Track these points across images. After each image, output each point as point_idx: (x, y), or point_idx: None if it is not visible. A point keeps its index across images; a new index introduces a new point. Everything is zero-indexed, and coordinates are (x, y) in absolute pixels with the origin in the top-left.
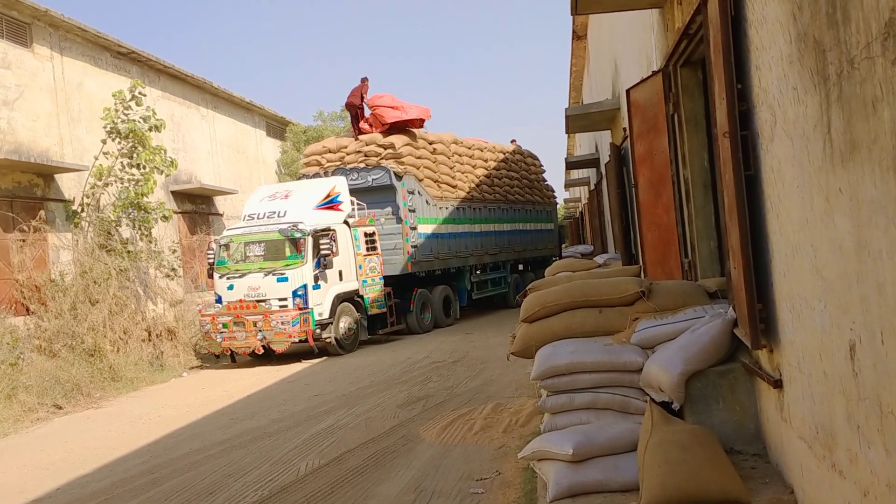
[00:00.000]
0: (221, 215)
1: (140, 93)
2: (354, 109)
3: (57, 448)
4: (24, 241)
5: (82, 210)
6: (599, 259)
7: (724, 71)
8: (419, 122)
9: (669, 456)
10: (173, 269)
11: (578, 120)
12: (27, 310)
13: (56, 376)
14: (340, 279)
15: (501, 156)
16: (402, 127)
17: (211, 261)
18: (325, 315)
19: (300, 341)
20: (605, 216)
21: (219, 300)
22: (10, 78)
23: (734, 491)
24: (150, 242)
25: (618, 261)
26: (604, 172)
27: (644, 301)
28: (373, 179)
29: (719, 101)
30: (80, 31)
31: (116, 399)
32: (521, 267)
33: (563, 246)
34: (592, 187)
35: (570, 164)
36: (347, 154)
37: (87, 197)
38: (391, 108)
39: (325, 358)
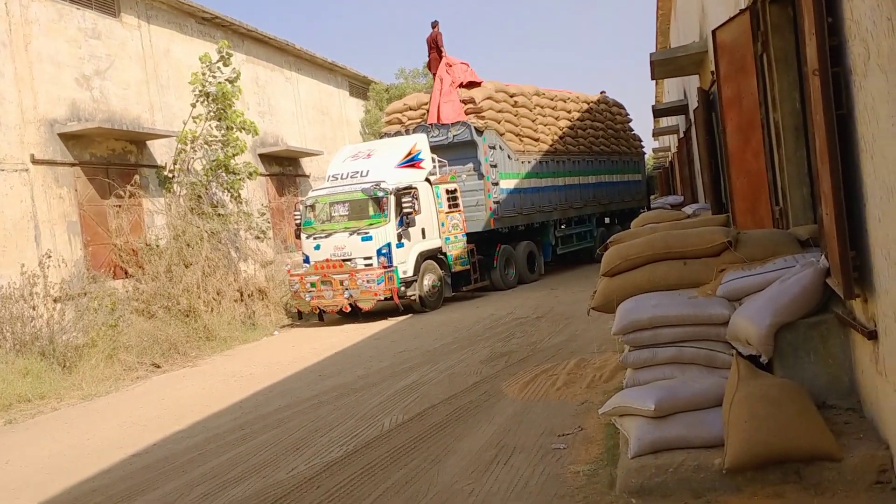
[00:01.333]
0: (308, 176)
1: (227, 52)
2: (430, 50)
3: (154, 405)
4: (120, 206)
5: (173, 175)
6: (688, 209)
7: (814, 3)
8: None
9: (756, 411)
10: (263, 231)
11: (664, 65)
12: (126, 273)
13: (154, 336)
14: (423, 237)
15: (585, 106)
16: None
17: (298, 221)
18: (410, 273)
19: (386, 299)
20: (695, 165)
21: (306, 260)
22: (101, 48)
23: (825, 446)
24: (240, 204)
25: (708, 211)
26: (692, 119)
27: (731, 251)
28: (453, 135)
29: (809, 37)
30: None
31: (211, 357)
32: (607, 220)
33: (653, 197)
34: (682, 135)
35: (658, 112)
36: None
37: (178, 162)
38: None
39: (409, 315)
